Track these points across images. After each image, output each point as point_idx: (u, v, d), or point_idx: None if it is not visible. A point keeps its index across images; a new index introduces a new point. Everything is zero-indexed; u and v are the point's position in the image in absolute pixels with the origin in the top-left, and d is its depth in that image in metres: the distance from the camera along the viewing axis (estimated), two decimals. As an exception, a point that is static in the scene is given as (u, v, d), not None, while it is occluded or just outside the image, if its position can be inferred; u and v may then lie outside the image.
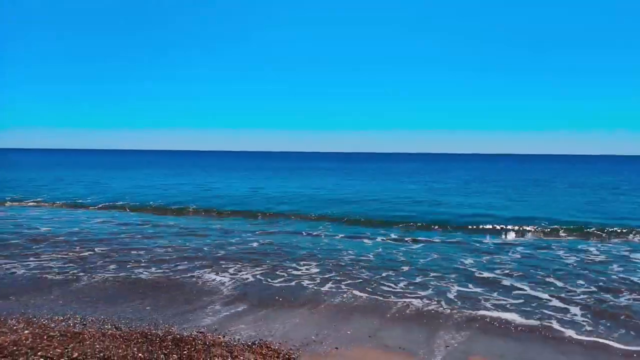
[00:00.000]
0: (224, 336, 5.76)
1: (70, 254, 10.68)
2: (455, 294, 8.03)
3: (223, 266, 9.74)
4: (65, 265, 9.56)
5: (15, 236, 12.86)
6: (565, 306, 7.38)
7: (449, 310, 7.14)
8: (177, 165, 74.32)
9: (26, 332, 5.46)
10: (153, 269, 9.41)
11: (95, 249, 11.23)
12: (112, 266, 9.59)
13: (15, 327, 5.73)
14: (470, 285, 8.53)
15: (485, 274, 9.34)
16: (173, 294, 7.75)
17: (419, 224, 15.52)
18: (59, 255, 10.47)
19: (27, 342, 5.00)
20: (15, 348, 4.76)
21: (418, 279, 8.95)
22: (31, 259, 10.13)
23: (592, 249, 12.08)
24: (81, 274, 8.94)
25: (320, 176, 45.58)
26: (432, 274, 9.30)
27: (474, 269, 9.75)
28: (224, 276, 8.94)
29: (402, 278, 9.04)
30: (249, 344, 5.50)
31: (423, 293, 8.06)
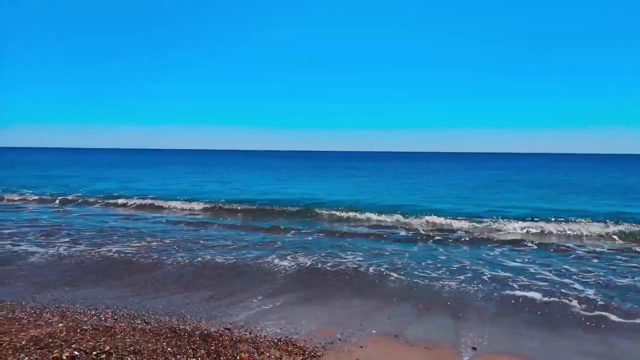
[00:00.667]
0: (250, 332, 5.85)
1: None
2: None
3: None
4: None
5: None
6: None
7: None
8: (200, 163, 75.33)
9: (60, 325, 5.65)
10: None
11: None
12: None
13: (50, 320, 5.94)
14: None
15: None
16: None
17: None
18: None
19: (62, 334, 5.17)
20: (50, 340, 4.93)
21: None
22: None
23: None
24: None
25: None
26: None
27: None
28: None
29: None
30: (275, 340, 5.56)
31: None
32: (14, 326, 5.55)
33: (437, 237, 13.29)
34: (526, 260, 10.62)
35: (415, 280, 8.85)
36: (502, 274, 9.35)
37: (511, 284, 8.59)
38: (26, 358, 4.38)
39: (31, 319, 6.01)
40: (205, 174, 44.13)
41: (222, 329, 5.92)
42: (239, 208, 19.21)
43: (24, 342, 4.82)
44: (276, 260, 10.24)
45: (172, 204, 20.45)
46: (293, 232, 14.19)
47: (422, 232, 14.33)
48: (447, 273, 9.37)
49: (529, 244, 12.38)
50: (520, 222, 15.08)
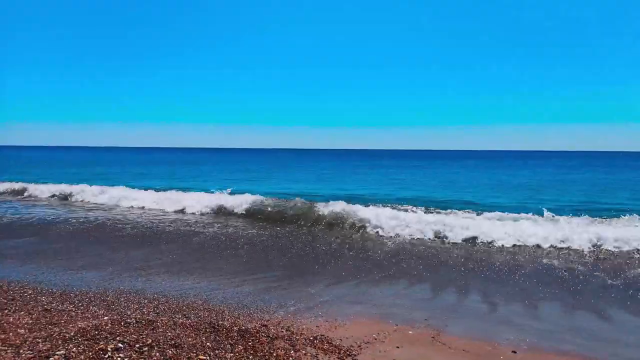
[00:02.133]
0: (287, 329, 5.91)
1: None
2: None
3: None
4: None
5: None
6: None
7: (516, 314, 6.85)
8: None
9: (105, 318, 5.88)
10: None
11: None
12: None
13: (96, 313, 6.19)
14: None
15: None
16: (238, 287, 8.02)
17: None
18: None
19: (107, 327, 5.39)
20: (96, 332, 5.14)
21: None
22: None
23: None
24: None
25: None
26: (498, 276, 8.95)
27: None
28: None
29: None
30: (311, 338, 5.60)
31: (489, 295, 7.79)
32: (63, 318, 5.82)
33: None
34: None
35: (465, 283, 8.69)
36: None
37: None
38: (74, 349, 4.58)
39: (79, 311, 6.29)
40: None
41: (259, 325, 6.00)
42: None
43: (72, 334, 5.06)
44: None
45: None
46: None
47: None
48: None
49: None
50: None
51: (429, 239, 12.60)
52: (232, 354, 4.84)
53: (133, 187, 22.91)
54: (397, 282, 8.66)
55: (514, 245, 11.73)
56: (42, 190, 23.30)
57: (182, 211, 17.81)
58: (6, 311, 6.04)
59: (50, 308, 6.35)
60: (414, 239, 12.62)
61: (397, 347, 5.52)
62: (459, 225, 12.92)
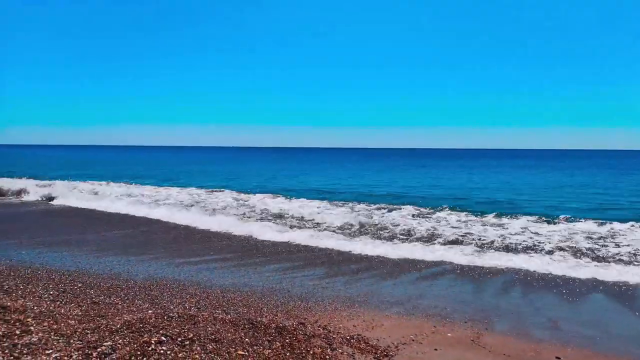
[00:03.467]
0: (324, 328, 5.93)
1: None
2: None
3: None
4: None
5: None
6: None
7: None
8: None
9: (150, 311, 6.09)
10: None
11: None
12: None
13: (141, 307, 6.43)
14: None
15: None
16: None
17: None
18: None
19: (151, 320, 5.58)
20: (141, 325, 5.34)
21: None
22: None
23: None
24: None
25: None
26: None
27: None
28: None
29: None
30: (348, 337, 5.60)
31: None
32: (110, 310, 6.08)
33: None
34: None
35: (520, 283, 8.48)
36: None
37: None
38: (120, 340, 4.77)
39: (125, 304, 6.54)
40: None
41: (297, 323, 6.06)
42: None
43: (118, 326, 5.27)
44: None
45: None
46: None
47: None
48: (531, 277, 8.86)
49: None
50: None
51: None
52: (269, 351, 4.92)
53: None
54: (437, 283, 8.54)
55: None
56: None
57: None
58: (58, 303, 6.36)
59: (98, 301, 6.64)
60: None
61: (435, 349, 5.45)
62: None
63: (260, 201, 20.34)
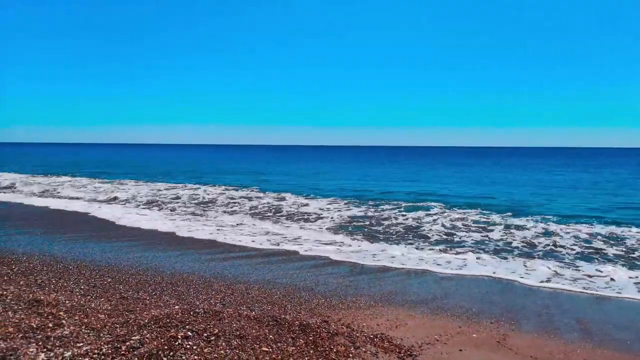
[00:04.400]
0: (347, 326, 5.94)
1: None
2: None
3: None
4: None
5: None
6: None
7: (591, 322, 6.47)
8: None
9: (176, 307, 6.21)
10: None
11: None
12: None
13: (168, 302, 6.56)
14: None
15: None
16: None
17: None
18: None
19: (177, 316, 5.69)
20: (168, 320, 5.45)
21: None
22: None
23: None
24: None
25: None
26: None
27: None
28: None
29: None
30: (371, 336, 5.59)
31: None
32: (138, 305, 6.22)
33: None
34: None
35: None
36: None
37: None
38: (148, 335, 4.89)
39: (152, 299, 6.69)
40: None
41: (320, 321, 6.08)
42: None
43: (146, 321, 5.39)
44: (375, 257, 10.26)
45: None
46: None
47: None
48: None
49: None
50: None
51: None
52: (293, 347, 4.95)
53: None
54: (462, 284, 8.44)
55: None
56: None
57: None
58: (88, 297, 6.54)
59: (127, 296, 6.80)
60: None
61: (460, 350, 5.39)
62: None
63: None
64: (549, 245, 11.68)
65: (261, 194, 22.84)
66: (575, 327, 6.30)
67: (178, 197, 21.68)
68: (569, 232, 13.14)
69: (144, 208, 18.44)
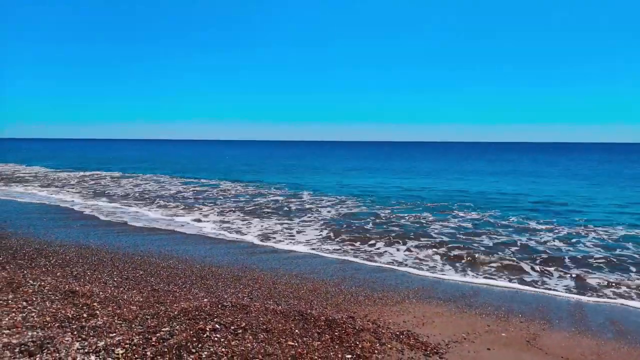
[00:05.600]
0: (373, 322, 5.93)
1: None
2: None
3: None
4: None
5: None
6: None
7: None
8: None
9: (205, 300, 6.33)
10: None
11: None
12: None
13: (197, 295, 6.69)
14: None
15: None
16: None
17: None
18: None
19: (206, 309, 5.81)
20: (197, 313, 5.57)
21: None
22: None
23: None
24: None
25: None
26: None
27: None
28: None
29: None
30: (397, 333, 5.57)
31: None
32: (168, 298, 6.37)
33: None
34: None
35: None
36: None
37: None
38: (178, 327, 5.01)
39: (182, 292, 6.84)
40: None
41: (346, 316, 6.10)
42: None
43: (176, 313, 5.52)
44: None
45: None
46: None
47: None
48: None
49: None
50: None
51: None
52: (319, 342, 4.98)
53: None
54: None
55: None
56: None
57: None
58: (121, 289, 6.74)
59: (158, 288, 6.98)
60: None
61: (488, 349, 5.31)
62: None
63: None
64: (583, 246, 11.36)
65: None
66: (609, 328, 6.12)
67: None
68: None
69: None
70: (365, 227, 13.54)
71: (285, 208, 17.35)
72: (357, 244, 11.31)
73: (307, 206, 17.84)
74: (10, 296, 5.59)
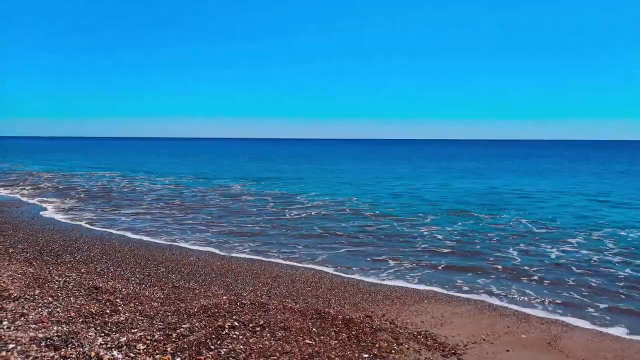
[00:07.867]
0: (391, 322, 5.92)
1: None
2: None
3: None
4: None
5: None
6: None
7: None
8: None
9: (224, 297, 6.42)
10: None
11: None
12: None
13: (216, 292, 6.79)
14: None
15: None
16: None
17: None
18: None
19: (225, 306, 5.89)
20: (216, 310, 5.65)
21: None
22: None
23: None
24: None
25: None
26: None
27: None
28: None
29: None
30: (415, 333, 5.55)
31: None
32: (188, 295, 6.48)
33: None
34: None
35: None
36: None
37: None
38: (197, 323, 5.09)
39: (202, 289, 6.94)
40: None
41: (364, 316, 6.10)
42: None
43: (195, 310, 5.62)
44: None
45: None
46: None
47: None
48: None
49: None
50: None
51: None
52: (336, 341, 5.01)
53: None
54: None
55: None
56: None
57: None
58: (143, 286, 6.88)
59: (179, 285, 7.09)
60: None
61: (507, 351, 5.25)
62: None
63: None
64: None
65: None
66: (633, 329, 5.99)
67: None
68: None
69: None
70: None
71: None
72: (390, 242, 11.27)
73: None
74: (37, 292, 5.77)
